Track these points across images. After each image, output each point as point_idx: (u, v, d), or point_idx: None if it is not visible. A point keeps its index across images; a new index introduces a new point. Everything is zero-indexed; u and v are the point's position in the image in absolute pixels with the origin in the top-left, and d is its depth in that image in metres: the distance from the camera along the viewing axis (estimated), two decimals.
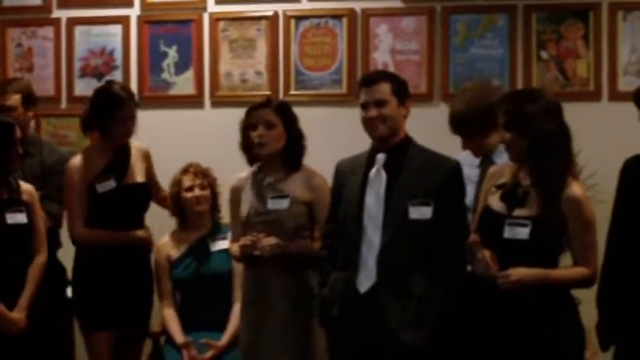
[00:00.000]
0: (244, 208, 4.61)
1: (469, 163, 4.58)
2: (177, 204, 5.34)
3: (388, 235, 4.04)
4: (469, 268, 4.07)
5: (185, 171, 5.34)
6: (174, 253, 5.32)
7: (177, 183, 5.32)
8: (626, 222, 4.14)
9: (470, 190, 4.40)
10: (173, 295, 5.32)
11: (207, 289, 5.15)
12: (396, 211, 4.05)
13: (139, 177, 5.06)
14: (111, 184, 4.93)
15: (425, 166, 4.12)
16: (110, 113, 4.90)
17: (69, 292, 5.12)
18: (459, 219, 4.10)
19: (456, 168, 4.17)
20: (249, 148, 4.63)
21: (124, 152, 5.04)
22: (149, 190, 5.14)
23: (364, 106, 4.16)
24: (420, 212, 4.04)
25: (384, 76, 4.28)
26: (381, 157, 4.14)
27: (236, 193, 4.71)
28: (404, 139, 4.19)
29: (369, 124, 4.14)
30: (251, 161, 4.69)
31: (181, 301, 5.31)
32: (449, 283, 4.01)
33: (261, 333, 4.54)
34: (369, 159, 4.18)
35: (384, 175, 4.11)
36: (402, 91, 4.18)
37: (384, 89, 4.13)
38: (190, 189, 5.28)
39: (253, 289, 4.61)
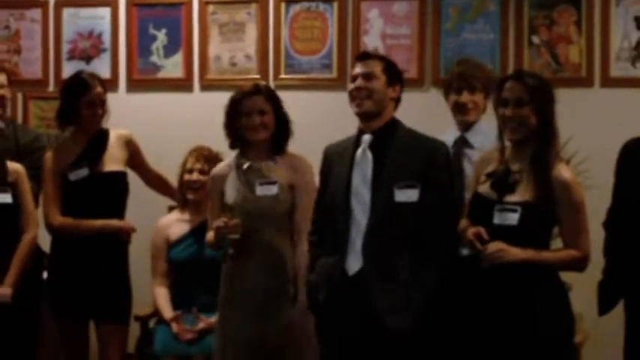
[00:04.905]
0: (230, 196, 4.57)
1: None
2: (180, 184, 5.31)
3: (374, 218, 4.00)
4: (464, 252, 4.05)
5: (192, 152, 5.29)
6: (174, 233, 5.28)
7: (183, 163, 5.29)
8: (626, 203, 4.15)
9: None
10: (167, 276, 5.29)
11: (204, 272, 5.08)
12: (382, 193, 4.01)
13: (116, 165, 5.04)
14: (83, 172, 4.93)
15: (411, 148, 4.07)
16: (77, 98, 4.91)
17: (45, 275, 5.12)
18: (446, 201, 4.04)
19: (442, 149, 4.14)
20: (235, 131, 4.59)
21: (100, 140, 5.02)
22: (126, 179, 5.10)
23: (354, 79, 4.16)
24: (406, 195, 3.99)
25: (378, 55, 4.33)
26: (367, 138, 4.10)
27: (217, 182, 4.66)
28: (390, 121, 4.15)
29: (355, 96, 4.12)
30: (233, 145, 4.65)
31: (176, 282, 5.27)
32: (436, 268, 3.96)
33: (237, 324, 4.51)
34: (356, 141, 4.15)
35: (369, 155, 4.07)
36: (393, 73, 4.16)
37: (375, 64, 4.13)
38: (190, 172, 5.23)
39: (231, 282, 4.57)
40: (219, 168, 4.71)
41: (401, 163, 4.03)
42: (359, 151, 4.10)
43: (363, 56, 4.24)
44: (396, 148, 4.07)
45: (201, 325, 5.04)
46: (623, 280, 4.15)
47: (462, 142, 4.58)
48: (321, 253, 4.18)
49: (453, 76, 4.72)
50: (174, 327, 5.07)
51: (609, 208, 4.25)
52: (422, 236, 3.98)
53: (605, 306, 4.20)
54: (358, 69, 4.14)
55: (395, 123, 4.15)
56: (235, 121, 4.55)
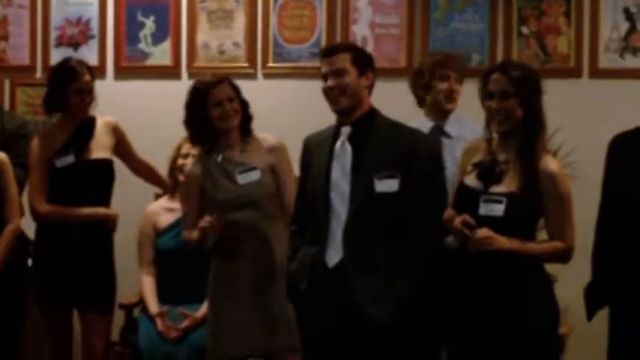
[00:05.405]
0: (211, 191, 4.57)
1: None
2: (171, 169, 5.28)
3: (354, 209, 3.98)
4: (450, 242, 4.04)
5: (187, 138, 5.26)
6: (162, 221, 5.27)
7: (178, 148, 5.26)
8: (616, 196, 4.09)
9: None
10: (154, 264, 5.27)
11: (191, 261, 5.07)
12: (362, 184, 3.99)
13: (102, 152, 5.02)
14: (69, 159, 4.92)
15: (391, 138, 4.05)
16: (65, 85, 4.89)
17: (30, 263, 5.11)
18: (429, 191, 4.03)
19: (421, 138, 4.14)
20: (203, 123, 4.57)
21: (87, 127, 5.00)
22: (112, 166, 5.08)
23: (324, 77, 4.09)
24: (386, 185, 3.98)
25: (344, 46, 4.22)
26: (345, 130, 4.07)
27: (194, 179, 4.67)
28: (369, 111, 4.12)
29: (329, 95, 4.08)
30: (200, 138, 4.66)
31: (163, 271, 5.25)
32: (418, 258, 3.96)
33: (228, 312, 4.54)
34: (335, 132, 4.12)
35: (349, 148, 4.05)
36: (363, 62, 4.10)
37: (344, 59, 4.05)
38: (186, 156, 5.18)
39: (221, 271, 4.60)
40: (192, 166, 4.72)
41: (380, 153, 4.01)
42: (338, 143, 4.07)
43: (329, 52, 4.14)
44: (375, 138, 4.05)
45: (186, 322, 5.02)
46: (610, 285, 4.11)
47: (439, 132, 4.56)
48: (301, 242, 4.17)
49: (437, 64, 4.69)
50: (159, 324, 5.04)
51: (599, 208, 4.19)
52: (403, 226, 3.97)
53: (592, 311, 4.17)
54: (326, 67, 4.07)
55: (373, 113, 4.13)
56: (202, 113, 4.55)
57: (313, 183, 4.13)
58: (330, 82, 4.06)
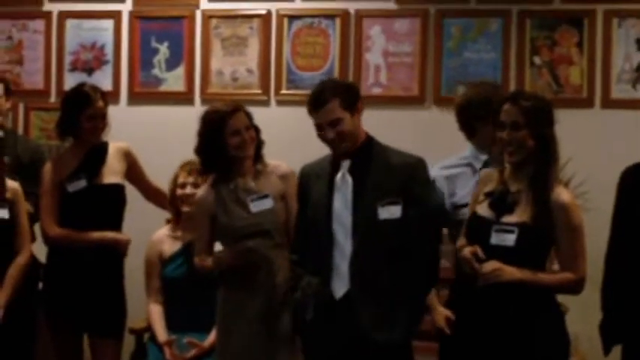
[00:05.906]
0: (223, 218, 4.57)
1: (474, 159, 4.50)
2: (172, 200, 5.27)
3: (359, 240, 3.99)
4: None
5: (183, 166, 5.23)
6: (168, 249, 5.24)
7: (174, 178, 5.23)
8: (627, 229, 4.09)
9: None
10: (161, 292, 5.25)
11: (197, 289, 5.04)
12: (365, 213, 3.99)
13: (114, 177, 5.04)
14: (81, 183, 4.93)
15: (390, 165, 4.05)
16: (78, 111, 4.90)
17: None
18: (427, 216, 4.04)
19: (419, 164, 4.10)
20: (218, 152, 4.56)
21: (99, 153, 5.02)
22: (123, 191, 5.10)
23: (319, 127, 4.06)
24: (390, 212, 3.98)
25: (330, 93, 4.05)
26: (346, 164, 4.07)
27: (207, 205, 4.61)
28: (365, 141, 4.12)
29: (329, 144, 4.07)
30: (214, 166, 4.61)
31: (169, 299, 5.23)
32: (422, 282, 4.00)
33: (237, 340, 4.50)
34: (333, 164, 4.12)
35: (349, 179, 4.05)
36: (351, 101, 4.06)
37: (334, 107, 4.00)
38: (183, 186, 5.19)
39: (230, 300, 4.57)
40: (204, 192, 4.66)
41: (381, 182, 4.02)
42: (338, 175, 4.07)
43: (317, 104, 4.04)
44: (374, 167, 4.05)
45: (193, 352, 4.98)
46: (622, 320, 4.09)
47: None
48: (303, 272, 4.16)
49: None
50: (167, 353, 5.00)
51: (609, 240, 4.18)
52: (405, 251, 3.98)
53: (608, 347, 4.15)
54: (319, 119, 4.02)
55: (370, 142, 4.13)
56: (218, 141, 4.50)
57: (313, 214, 4.12)
58: (328, 134, 4.02)
